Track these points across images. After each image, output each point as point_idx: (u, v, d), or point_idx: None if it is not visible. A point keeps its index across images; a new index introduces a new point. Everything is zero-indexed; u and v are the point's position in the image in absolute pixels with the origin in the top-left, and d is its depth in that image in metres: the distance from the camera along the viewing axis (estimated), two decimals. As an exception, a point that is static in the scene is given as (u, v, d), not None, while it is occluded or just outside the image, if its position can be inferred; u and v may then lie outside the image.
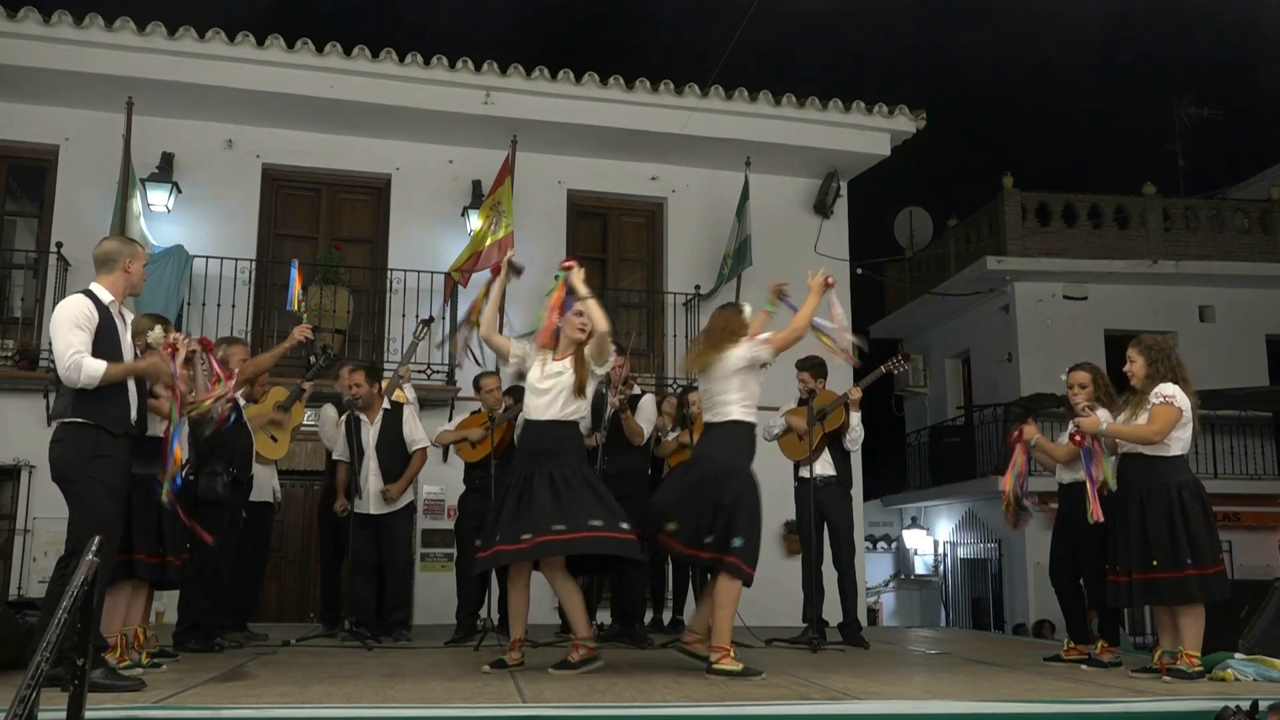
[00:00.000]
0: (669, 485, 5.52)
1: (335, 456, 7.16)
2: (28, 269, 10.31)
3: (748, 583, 4.97)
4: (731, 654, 4.88)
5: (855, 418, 6.80)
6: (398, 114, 10.45)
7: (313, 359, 7.10)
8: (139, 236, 9.17)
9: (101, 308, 4.55)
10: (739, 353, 5.15)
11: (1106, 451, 5.51)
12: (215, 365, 5.35)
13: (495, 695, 4.23)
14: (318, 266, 10.22)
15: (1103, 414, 5.74)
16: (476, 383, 7.44)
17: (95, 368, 4.38)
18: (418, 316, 7.86)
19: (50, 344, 4.52)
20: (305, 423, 7.54)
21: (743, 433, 5.17)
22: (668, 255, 11.57)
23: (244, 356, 6.34)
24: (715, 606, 4.99)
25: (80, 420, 4.40)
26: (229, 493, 5.93)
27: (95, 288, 4.63)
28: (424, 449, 7.08)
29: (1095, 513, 5.37)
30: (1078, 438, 5.50)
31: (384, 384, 7.20)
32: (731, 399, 5.15)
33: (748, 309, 5.49)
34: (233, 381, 5.47)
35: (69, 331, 4.39)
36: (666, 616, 7.82)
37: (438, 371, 10.35)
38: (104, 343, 4.49)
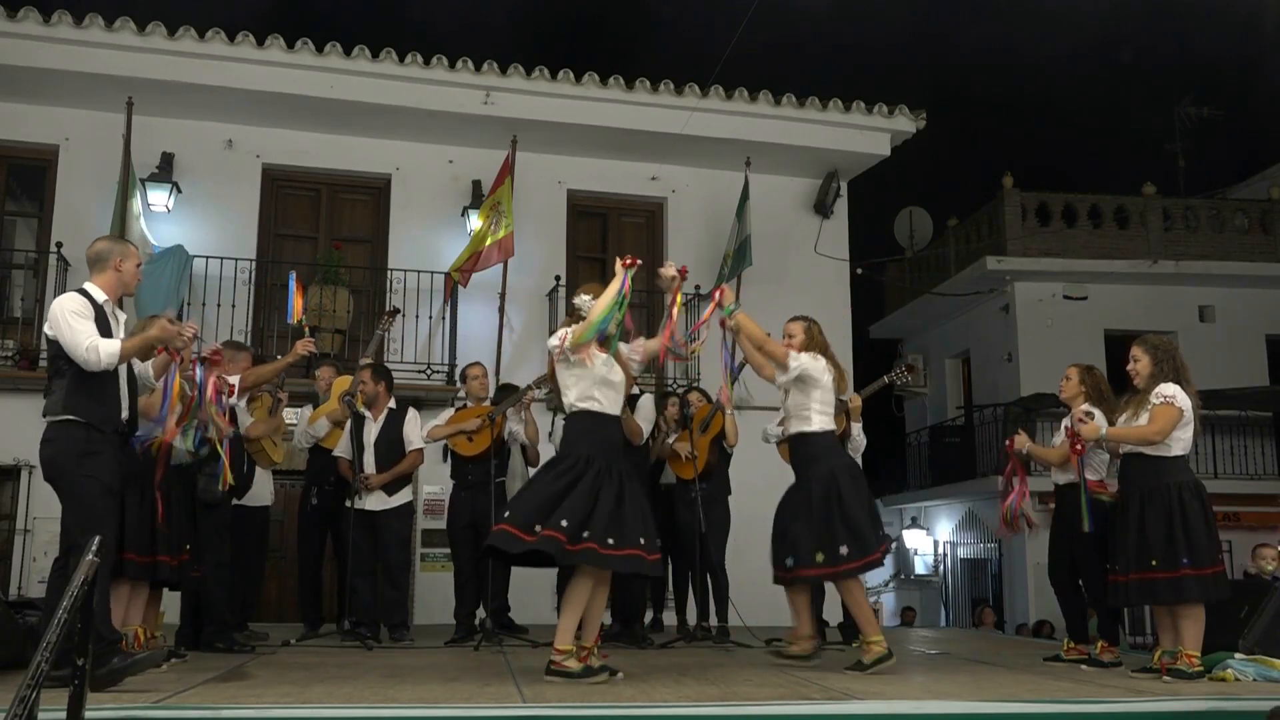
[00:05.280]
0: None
1: (336, 453, 7.16)
2: (28, 269, 10.30)
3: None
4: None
5: (856, 427, 6.66)
6: (398, 114, 10.45)
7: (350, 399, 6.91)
8: (139, 237, 9.16)
9: (95, 306, 4.55)
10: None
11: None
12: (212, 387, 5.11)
13: (495, 695, 4.22)
14: (318, 266, 10.22)
15: (1097, 416, 5.74)
16: (463, 373, 7.46)
17: (112, 345, 4.40)
18: (398, 313, 7.73)
19: (49, 343, 4.49)
20: (289, 424, 7.52)
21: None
22: (668, 255, 11.53)
23: (248, 364, 6.31)
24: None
25: (71, 418, 4.40)
26: (227, 495, 5.92)
27: (89, 287, 4.65)
28: (420, 450, 7.08)
29: (1086, 523, 5.51)
30: (1078, 447, 5.52)
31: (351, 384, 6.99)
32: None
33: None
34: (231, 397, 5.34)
35: (75, 321, 4.39)
36: (667, 617, 7.81)
37: (438, 371, 10.35)
38: None
